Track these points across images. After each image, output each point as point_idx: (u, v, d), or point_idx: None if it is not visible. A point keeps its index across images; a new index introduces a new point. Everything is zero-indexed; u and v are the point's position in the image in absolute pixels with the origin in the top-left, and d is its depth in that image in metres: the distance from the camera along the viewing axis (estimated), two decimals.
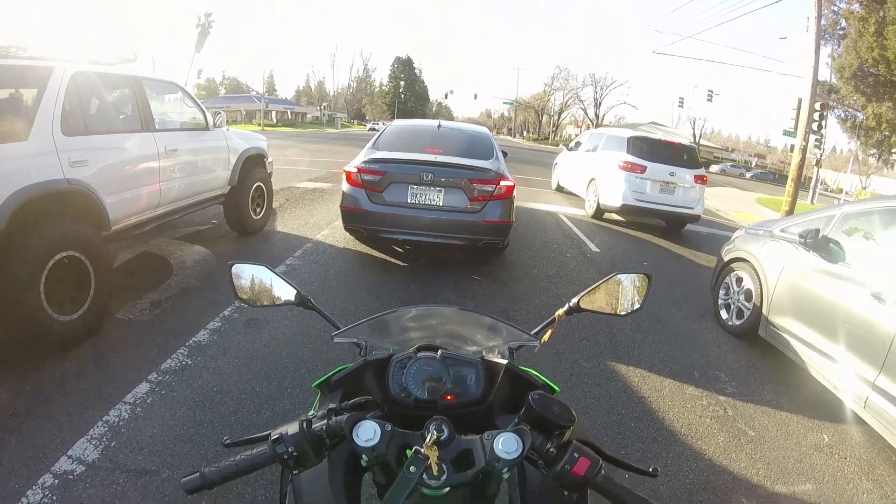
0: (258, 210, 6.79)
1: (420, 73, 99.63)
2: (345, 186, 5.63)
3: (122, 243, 4.79)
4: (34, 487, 2.25)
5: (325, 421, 0.88)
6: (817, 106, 13.95)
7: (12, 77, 3.87)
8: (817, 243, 3.86)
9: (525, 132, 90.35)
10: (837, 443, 3.28)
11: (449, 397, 1.11)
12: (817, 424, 3.47)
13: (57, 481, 2.30)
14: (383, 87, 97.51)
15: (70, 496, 2.22)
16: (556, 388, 1.20)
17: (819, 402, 3.68)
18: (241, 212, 6.42)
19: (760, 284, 4.49)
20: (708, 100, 44.28)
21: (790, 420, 3.49)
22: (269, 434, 0.88)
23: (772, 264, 4.41)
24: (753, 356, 4.45)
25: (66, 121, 3.68)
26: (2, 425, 2.66)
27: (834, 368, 3.52)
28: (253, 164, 6.69)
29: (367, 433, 0.84)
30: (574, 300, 1.41)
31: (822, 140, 18.62)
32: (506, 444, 0.83)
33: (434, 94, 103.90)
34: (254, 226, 6.70)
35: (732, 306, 4.95)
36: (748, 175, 54.08)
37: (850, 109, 24.55)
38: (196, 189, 5.51)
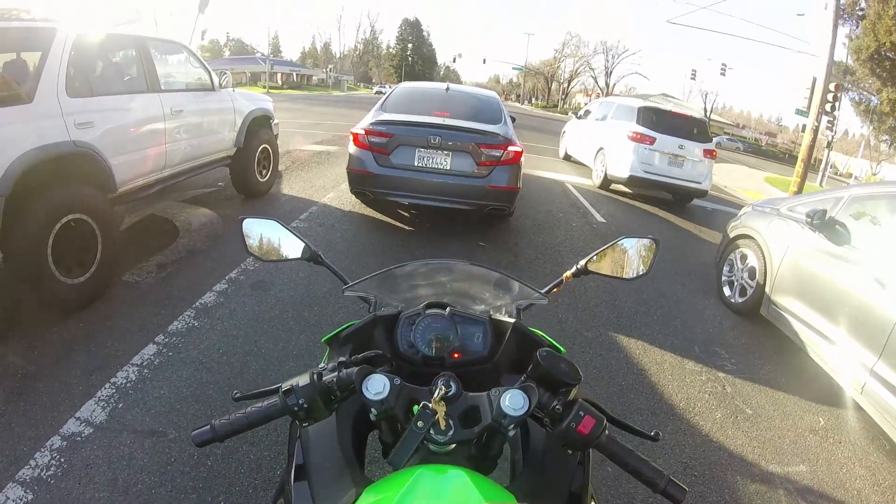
0: (264, 172, 6.75)
1: (428, 35, 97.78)
2: (352, 149, 5.59)
3: (129, 206, 4.79)
4: (42, 450, 2.29)
5: (336, 373, 0.89)
6: (832, 86, 13.66)
7: (15, 39, 3.79)
8: (823, 224, 3.85)
9: (534, 99, 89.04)
10: (833, 427, 3.31)
11: (456, 355, 1.13)
12: (814, 407, 3.50)
13: (65, 443, 2.34)
14: (390, 50, 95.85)
15: (78, 458, 2.26)
16: (562, 349, 1.21)
17: (817, 385, 3.71)
18: (246, 174, 6.40)
19: (765, 263, 4.48)
20: (721, 74, 43.25)
21: (787, 401, 3.52)
22: (280, 386, 0.89)
23: (777, 243, 4.40)
24: (754, 334, 4.47)
25: (70, 82, 3.63)
26: (11, 387, 2.70)
27: (833, 352, 3.53)
28: (259, 125, 6.63)
29: (377, 386, 0.85)
30: (582, 262, 1.43)
31: (835, 122, 18.27)
32: (512, 401, 0.83)
33: (442, 58, 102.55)
34: (260, 188, 6.68)
35: (736, 283, 4.96)
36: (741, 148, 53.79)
37: (865, 93, 24.15)
38: (202, 151, 5.48)
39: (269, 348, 3.23)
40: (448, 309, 1.17)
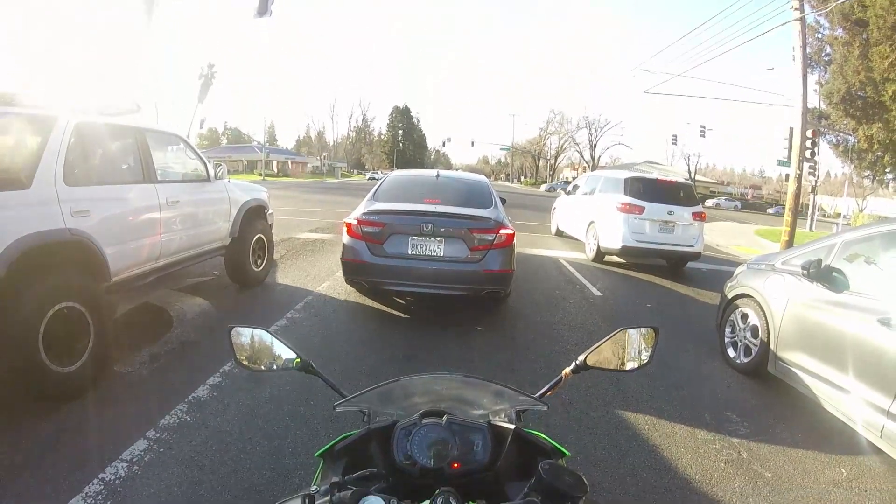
0: (259, 262, 6.78)
1: (418, 121, 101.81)
2: (345, 238, 5.64)
3: (123, 294, 4.77)
4: None
5: (329, 497, 0.85)
6: (809, 133, 14.16)
7: (16, 125, 3.91)
8: (820, 273, 3.84)
9: (522, 177, 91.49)
10: (857, 476, 3.19)
11: (456, 465, 1.07)
12: (834, 459, 3.38)
13: None
14: (382, 137, 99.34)
15: None
16: (567, 452, 1.17)
17: (835, 436, 3.60)
18: (242, 264, 6.42)
19: (766, 319, 4.44)
20: (701, 135, 44.86)
21: (806, 457, 3.39)
22: None
23: (776, 298, 4.37)
24: (764, 394, 4.36)
25: (68, 170, 3.71)
26: None
27: (847, 399, 3.45)
28: (254, 215, 6.73)
29: None
30: (581, 357, 1.39)
31: (816, 167, 18.83)
32: None
33: (432, 142, 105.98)
34: (255, 278, 6.68)
35: (739, 344, 4.88)
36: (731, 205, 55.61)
37: (841, 134, 24.91)
38: (197, 241, 5.53)
39: (263, 445, 3.10)
40: (445, 417, 1.13)
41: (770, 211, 55.55)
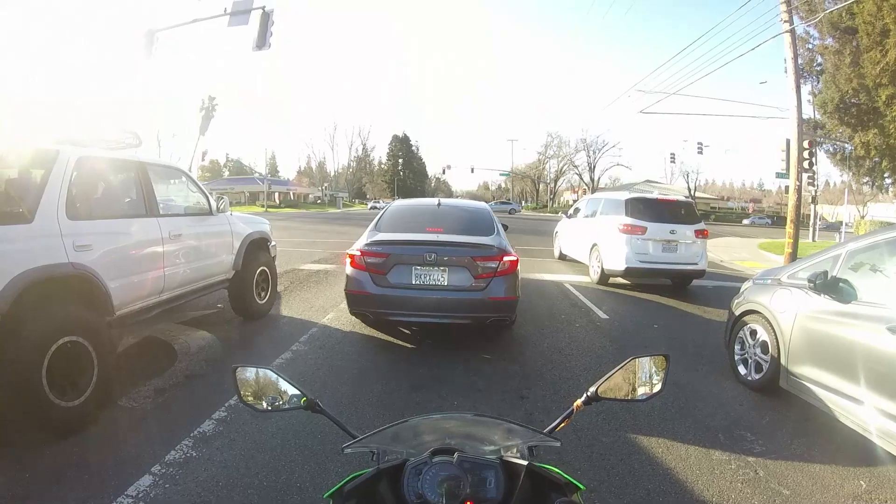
0: (263, 294, 6.77)
1: (417, 149, 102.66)
2: (348, 270, 5.63)
3: (127, 328, 4.76)
4: None
5: None
6: (805, 144, 14.26)
7: (19, 159, 3.95)
8: (827, 285, 3.82)
9: (523, 201, 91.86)
10: (876, 487, 3.13)
11: (469, 503, 1.04)
12: (853, 471, 3.32)
13: None
14: (382, 166, 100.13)
15: None
16: (581, 486, 1.14)
17: (851, 448, 3.54)
18: (245, 296, 6.41)
19: (775, 335, 4.39)
20: (698, 152, 45.10)
21: (824, 471, 3.33)
22: None
23: (784, 313, 4.33)
24: (778, 409, 4.29)
25: (71, 204, 3.74)
26: None
27: (861, 410, 3.41)
28: (257, 248, 6.75)
29: None
30: (592, 389, 1.37)
31: (815, 177, 18.87)
32: None
33: (432, 170, 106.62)
34: (259, 310, 6.67)
35: (750, 360, 4.82)
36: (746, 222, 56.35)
37: (838, 142, 25.07)
38: (200, 274, 5.53)
39: (271, 480, 3.05)
40: (456, 454, 1.11)
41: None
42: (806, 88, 23.23)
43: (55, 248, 3.52)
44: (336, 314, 7.04)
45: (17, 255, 3.23)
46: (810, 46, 23.90)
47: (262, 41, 13.36)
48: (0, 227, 3.24)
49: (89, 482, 2.91)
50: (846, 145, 24.52)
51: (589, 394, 1.37)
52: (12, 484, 2.81)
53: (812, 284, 3.92)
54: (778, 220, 50.70)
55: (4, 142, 3.91)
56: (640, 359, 1.39)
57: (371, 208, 60.57)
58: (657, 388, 1.39)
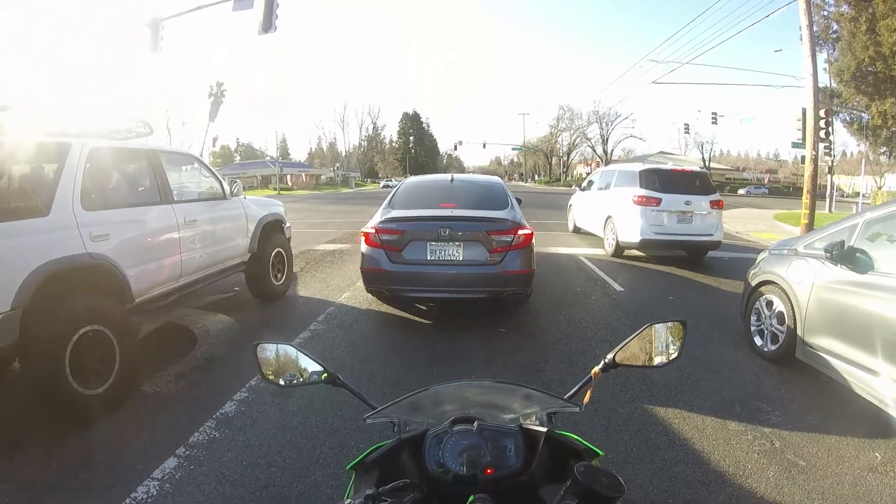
0: (279, 276, 6.84)
1: (428, 126, 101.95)
2: (363, 248, 5.66)
3: (146, 314, 4.84)
4: None
5: None
6: (822, 113, 13.92)
7: (31, 152, 3.99)
8: (844, 255, 3.77)
9: (536, 175, 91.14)
10: (891, 459, 3.13)
11: (489, 470, 1.06)
12: (868, 443, 3.31)
13: None
14: (393, 144, 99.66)
15: None
16: (600, 452, 1.15)
17: (867, 420, 3.52)
18: (262, 278, 6.49)
19: (791, 305, 4.36)
20: (713, 122, 44.32)
21: (840, 443, 3.33)
22: None
23: (801, 283, 4.29)
24: (794, 381, 4.28)
25: (85, 195, 3.78)
26: (29, 501, 2.65)
27: (878, 382, 3.38)
28: (271, 230, 6.80)
29: None
30: (609, 355, 1.37)
31: (832, 146, 18.50)
32: None
33: (443, 146, 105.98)
34: (276, 291, 6.74)
35: (766, 331, 4.80)
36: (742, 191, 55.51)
37: (855, 111, 24.47)
38: (216, 258, 5.60)
39: (293, 458, 3.11)
40: (476, 423, 1.12)
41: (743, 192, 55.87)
42: (822, 56, 22.59)
43: (72, 240, 3.57)
44: (352, 293, 7.10)
45: (35, 248, 3.28)
46: (825, 13, 23.18)
47: (268, 24, 13.24)
48: (17, 222, 3.28)
49: (115, 468, 2.99)
50: (863, 114, 23.90)
51: (606, 361, 1.37)
52: (40, 473, 2.88)
53: (828, 254, 3.87)
54: (793, 192, 49.50)
55: (16, 138, 3.95)
56: (657, 325, 1.39)
57: (383, 187, 60.23)
58: (674, 355, 1.39)
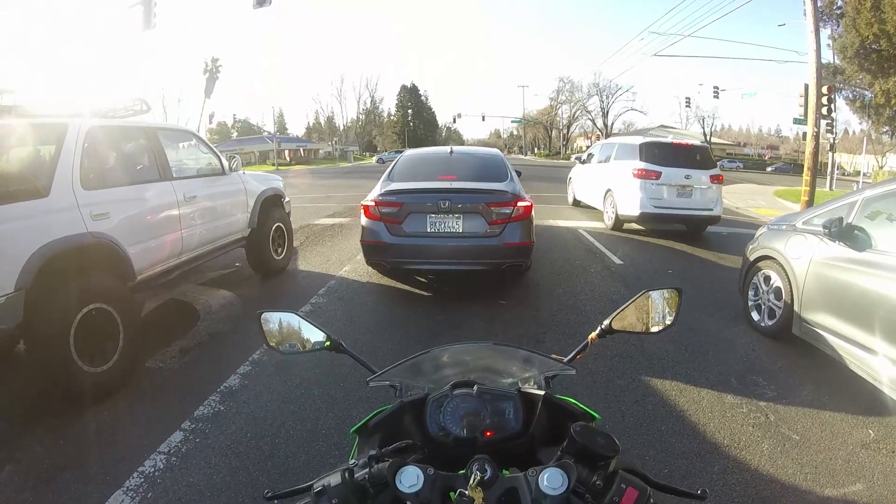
0: (279, 250, 6.86)
1: (426, 99, 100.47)
2: (363, 221, 5.67)
3: (149, 292, 4.87)
4: None
5: (367, 469, 0.87)
6: (824, 90, 13.81)
7: (29, 135, 3.98)
8: (842, 232, 3.78)
9: (536, 148, 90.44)
10: (884, 437, 3.18)
11: (489, 433, 1.10)
12: (862, 420, 3.37)
13: None
14: (392, 118, 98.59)
15: None
16: (597, 415, 1.18)
17: (862, 397, 3.57)
18: (262, 253, 6.51)
19: (789, 281, 4.39)
20: (714, 96, 43.96)
21: (834, 419, 3.38)
22: (312, 486, 0.87)
23: (799, 259, 4.31)
24: (790, 356, 4.33)
25: (85, 175, 3.78)
26: (38, 478, 2.70)
27: (873, 359, 3.41)
28: (271, 205, 6.79)
29: (411, 479, 0.83)
30: (606, 322, 1.40)
31: (834, 124, 18.36)
32: (551, 480, 0.81)
33: (442, 119, 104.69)
34: (276, 266, 6.77)
35: (763, 307, 4.85)
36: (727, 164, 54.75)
37: (858, 89, 24.28)
38: (217, 234, 5.61)
39: (297, 429, 3.18)
40: (476, 387, 1.15)
41: (769, 169, 54.49)
42: (825, 32, 22.27)
43: (73, 220, 3.57)
44: (353, 266, 7.14)
45: (37, 229, 3.29)
46: None
47: None
48: (18, 204, 3.28)
49: (122, 442, 3.05)
50: (866, 92, 23.69)
51: (603, 326, 1.40)
52: (49, 452, 2.94)
53: (827, 231, 3.88)
54: (794, 169, 48.79)
55: (14, 120, 3.92)
56: (653, 292, 1.41)
57: (378, 161, 58.85)
58: (669, 321, 1.41)
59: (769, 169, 54.80)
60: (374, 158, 66.76)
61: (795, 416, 3.41)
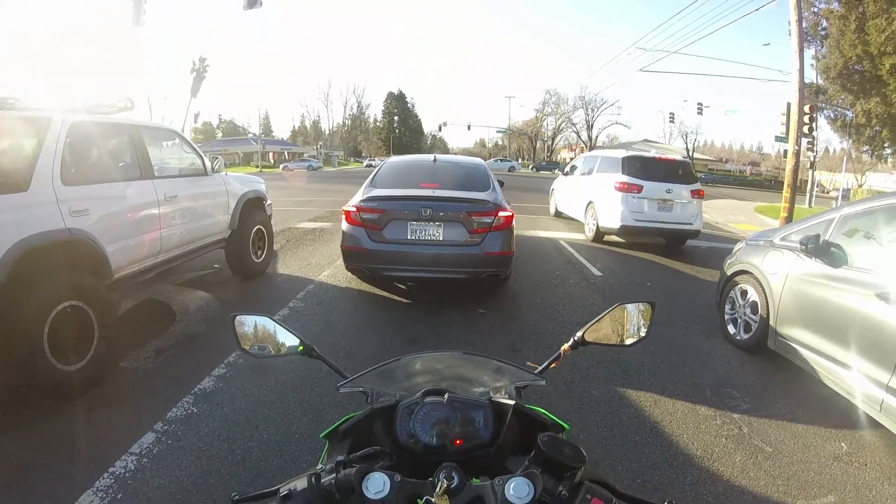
0: (259, 253, 6.80)
1: (413, 106, 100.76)
2: (344, 226, 5.65)
3: (125, 291, 4.80)
4: None
5: (334, 475, 0.86)
6: (806, 108, 14.12)
7: (11, 128, 3.91)
8: (818, 249, 3.84)
9: (520, 159, 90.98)
10: (856, 450, 3.23)
11: (458, 441, 1.10)
12: (834, 433, 3.41)
13: None
14: (378, 124, 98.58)
15: None
16: (566, 426, 1.19)
17: (835, 411, 3.63)
18: (242, 255, 6.44)
19: (765, 296, 4.46)
20: (698, 113, 44.77)
21: (807, 432, 3.43)
22: (278, 490, 0.87)
23: (775, 274, 4.38)
24: (765, 370, 4.39)
25: (65, 170, 3.72)
26: (7, 478, 2.63)
27: (846, 374, 3.47)
28: (252, 207, 6.74)
29: (377, 485, 0.83)
30: (579, 333, 1.40)
31: (815, 142, 18.78)
32: (517, 489, 0.81)
33: (428, 127, 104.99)
34: (256, 269, 6.70)
35: (739, 320, 4.91)
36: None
37: (839, 108, 24.83)
38: (197, 235, 5.55)
39: (270, 433, 3.14)
40: (447, 395, 1.15)
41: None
42: (809, 53, 22.89)
43: (51, 215, 3.51)
44: (332, 271, 7.10)
45: (14, 223, 3.22)
46: (816, 10, 23.41)
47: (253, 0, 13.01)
48: None
49: (93, 442, 2.99)
50: (847, 112, 24.23)
51: (576, 338, 1.40)
52: (19, 450, 2.87)
53: (804, 247, 3.94)
54: (774, 185, 49.44)
55: None
56: (627, 305, 1.42)
57: (367, 166, 59.31)
58: (643, 333, 1.42)
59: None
60: (364, 163, 66.94)
61: (769, 429, 3.45)
